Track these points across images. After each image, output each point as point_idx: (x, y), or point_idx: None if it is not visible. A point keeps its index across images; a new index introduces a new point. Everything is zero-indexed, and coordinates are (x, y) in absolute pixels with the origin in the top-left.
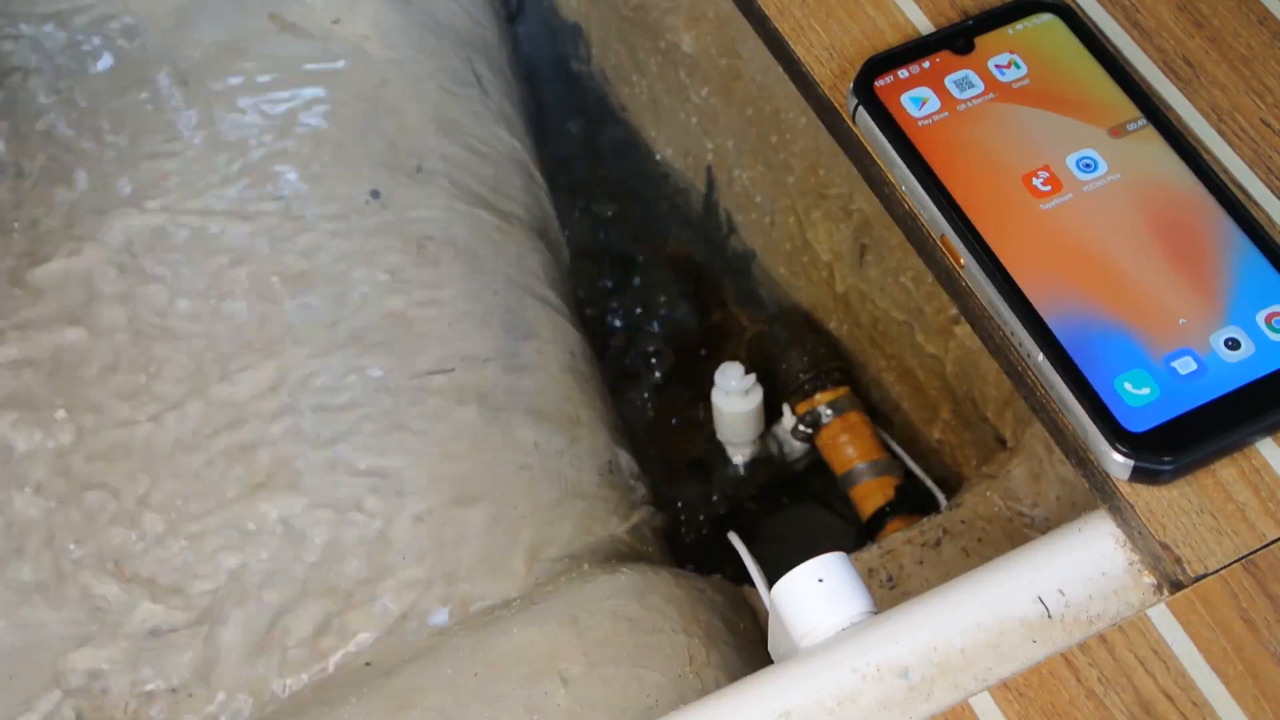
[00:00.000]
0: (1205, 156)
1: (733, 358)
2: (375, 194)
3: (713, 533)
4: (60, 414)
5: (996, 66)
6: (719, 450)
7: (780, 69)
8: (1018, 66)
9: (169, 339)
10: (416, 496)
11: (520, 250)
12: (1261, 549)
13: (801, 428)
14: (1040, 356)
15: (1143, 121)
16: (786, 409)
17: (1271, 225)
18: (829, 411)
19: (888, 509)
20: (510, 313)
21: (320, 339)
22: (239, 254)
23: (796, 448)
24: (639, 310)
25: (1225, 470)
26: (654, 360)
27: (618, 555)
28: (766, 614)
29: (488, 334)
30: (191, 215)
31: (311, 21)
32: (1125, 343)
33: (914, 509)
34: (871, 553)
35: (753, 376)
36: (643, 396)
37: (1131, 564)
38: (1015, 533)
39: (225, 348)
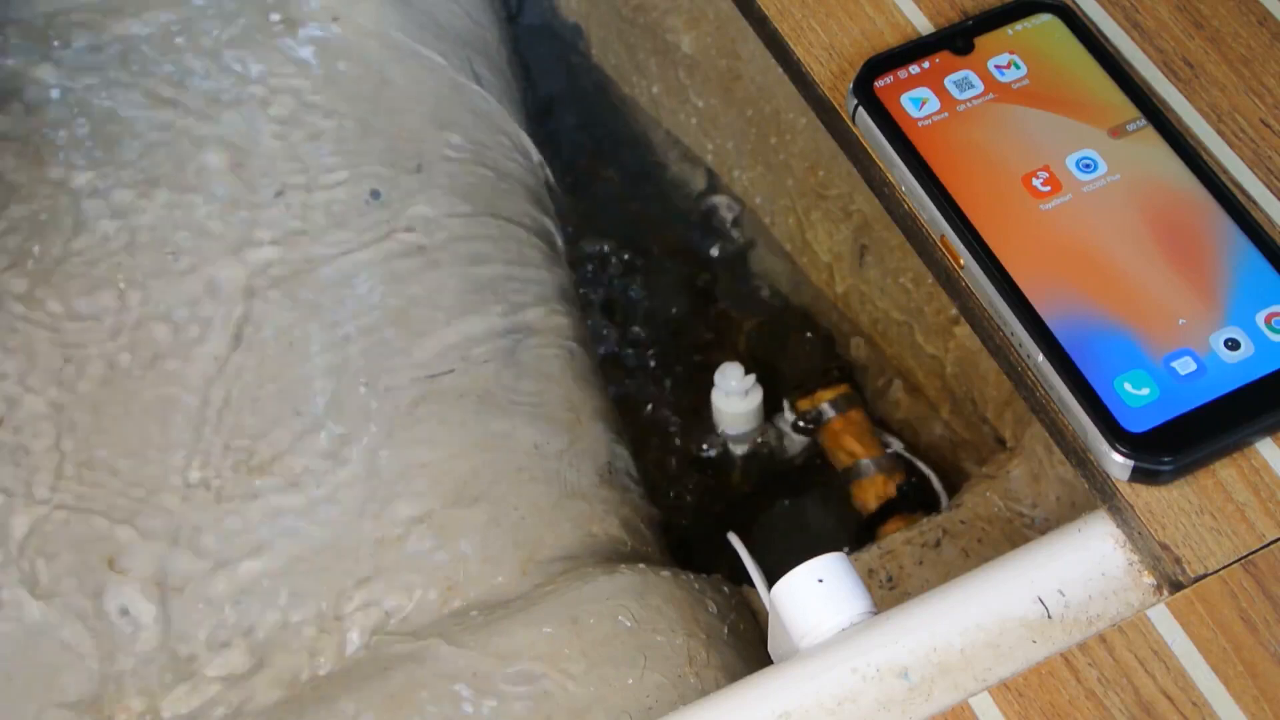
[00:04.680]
0: (1205, 157)
1: (732, 357)
2: (376, 194)
3: (713, 532)
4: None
5: (996, 67)
6: (719, 449)
7: (780, 69)
8: (1017, 67)
9: (168, 338)
10: (416, 497)
11: (520, 250)
12: (1261, 549)
13: (802, 425)
14: (1040, 357)
15: (1142, 122)
16: (787, 404)
17: (1271, 225)
18: (830, 410)
19: (888, 507)
20: (510, 312)
21: (320, 339)
22: (238, 255)
23: (797, 442)
24: (639, 310)
25: (1225, 470)
26: (654, 360)
27: (617, 555)
28: (766, 614)
29: (487, 334)
30: (191, 214)
31: (311, 20)
32: (1125, 343)
33: (915, 507)
34: (871, 553)
35: (752, 377)
36: (642, 396)
37: (1131, 564)
38: (1015, 533)
39: (224, 347)
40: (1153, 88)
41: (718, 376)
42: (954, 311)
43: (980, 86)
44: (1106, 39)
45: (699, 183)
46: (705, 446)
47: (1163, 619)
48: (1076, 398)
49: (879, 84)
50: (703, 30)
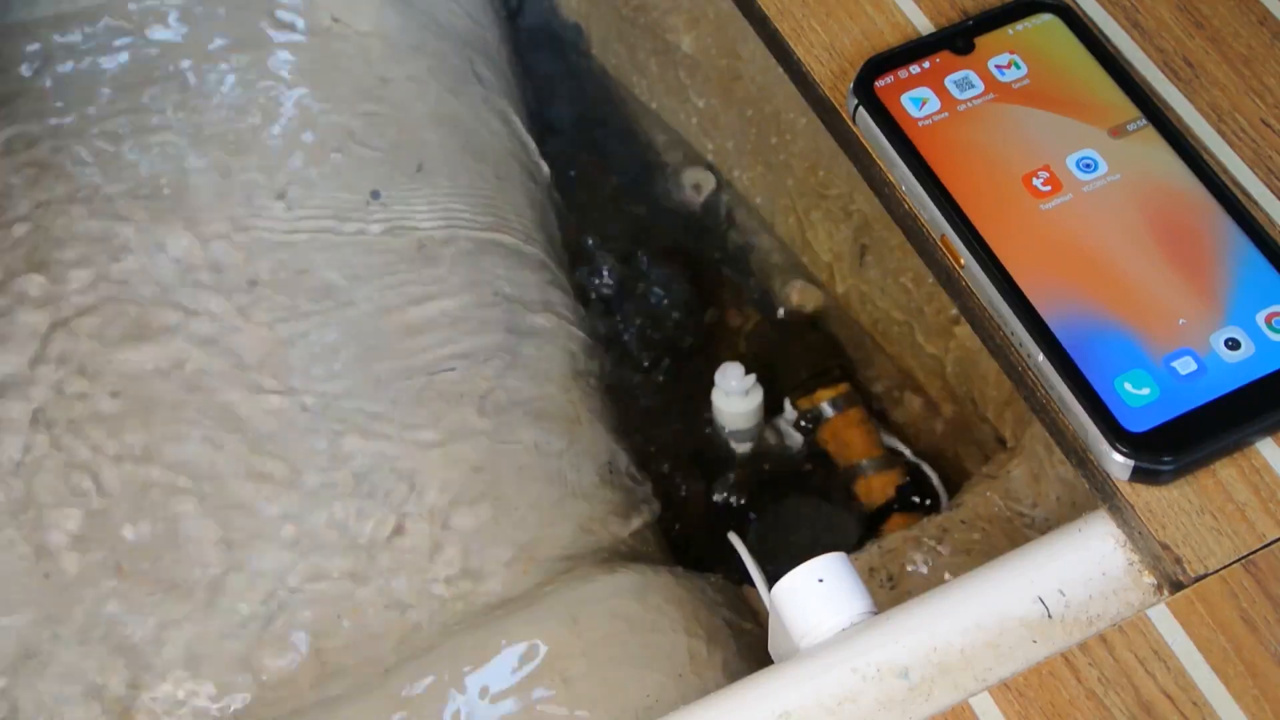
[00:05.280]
0: (1205, 156)
1: (732, 357)
2: (376, 194)
3: (713, 532)
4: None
5: (996, 67)
6: (719, 448)
7: (780, 69)
8: (1018, 67)
9: (166, 338)
10: (416, 497)
11: (521, 249)
12: (1261, 549)
13: (803, 424)
14: (1040, 356)
15: (1143, 122)
16: (788, 402)
17: (1271, 225)
18: (830, 409)
19: (889, 506)
20: (510, 312)
21: (321, 339)
22: (239, 254)
23: (797, 441)
24: (639, 310)
25: (1225, 470)
26: (654, 359)
27: (618, 555)
28: (766, 614)
29: (488, 334)
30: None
31: (311, 20)
32: (1125, 343)
33: (915, 506)
34: (871, 552)
35: (752, 377)
36: (643, 395)
37: (1131, 564)
38: (1015, 533)
39: (225, 349)
40: (1153, 87)
41: (718, 376)
42: (954, 311)
43: (980, 86)
44: (1107, 39)
45: (699, 182)
46: (705, 445)
47: (1163, 619)
48: (1077, 397)
49: (879, 84)
50: (703, 30)
